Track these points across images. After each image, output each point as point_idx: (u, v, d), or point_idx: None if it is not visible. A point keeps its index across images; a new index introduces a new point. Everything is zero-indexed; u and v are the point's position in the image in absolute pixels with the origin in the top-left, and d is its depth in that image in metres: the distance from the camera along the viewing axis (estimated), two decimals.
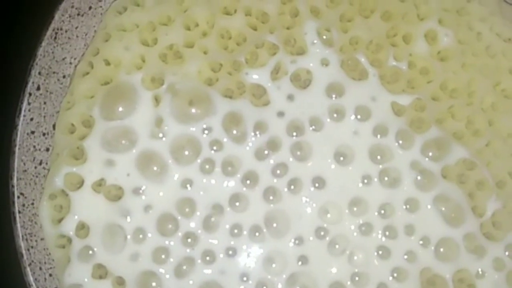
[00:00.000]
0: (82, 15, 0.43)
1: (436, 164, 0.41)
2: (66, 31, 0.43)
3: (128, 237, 0.40)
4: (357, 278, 0.41)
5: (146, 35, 0.43)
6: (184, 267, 0.40)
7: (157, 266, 0.40)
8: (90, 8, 0.43)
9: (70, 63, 0.43)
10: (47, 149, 0.42)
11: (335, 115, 0.42)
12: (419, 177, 0.41)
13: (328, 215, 0.41)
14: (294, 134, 0.42)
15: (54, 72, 0.43)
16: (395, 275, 0.41)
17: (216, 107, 0.42)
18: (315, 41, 0.42)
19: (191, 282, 0.40)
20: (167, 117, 0.41)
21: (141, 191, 0.41)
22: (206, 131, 0.41)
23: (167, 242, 0.41)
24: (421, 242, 0.41)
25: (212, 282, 0.40)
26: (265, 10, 0.43)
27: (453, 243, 0.41)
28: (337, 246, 0.41)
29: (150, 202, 0.41)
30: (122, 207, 0.41)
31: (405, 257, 0.41)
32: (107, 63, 0.43)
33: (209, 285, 0.40)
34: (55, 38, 0.42)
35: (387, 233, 0.41)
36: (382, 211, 0.41)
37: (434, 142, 0.42)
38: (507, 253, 0.41)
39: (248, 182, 0.41)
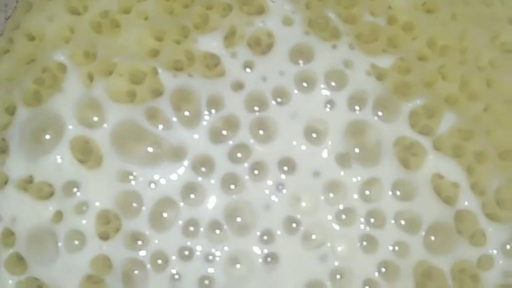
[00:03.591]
0: None
1: (427, 136, 0.36)
2: None
3: (60, 244, 0.35)
4: (338, 276, 0.35)
5: (74, 2, 0.37)
6: (136, 272, 0.35)
7: (100, 275, 0.35)
8: None
9: None
10: None
11: (304, 84, 0.36)
12: (407, 152, 0.36)
13: (301, 204, 0.36)
14: (256, 109, 0.36)
15: None
16: (383, 270, 0.35)
17: (162, 83, 0.36)
18: None
19: None
20: (103, 99, 0.36)
21: (75, 188, 0.35)
22: (151, 113, 0.36)
23: (109, 246, 0.35)
24: (412, 228, 0.36)
25: None
26: None
27: (450, 227, 0.36)
28: (313, 238, 0.35)
29: (86, 200, 0.35)
30: (54, 208, 0.35)
31: (395, 248, 0.35)
32: (30, 38, 0.37)
33: None
34: None
35: (372, 220, 0.36)
36: (366, 192, 0.36)
37: (423, 109, 0.37)
38: None
39: (203, 169, 0.36)
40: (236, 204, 0.35)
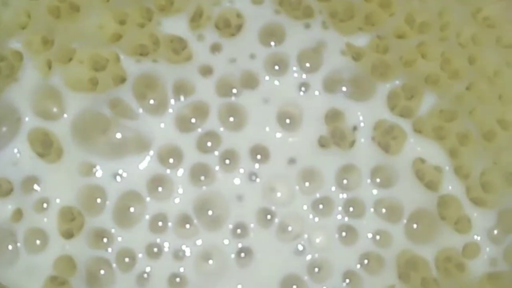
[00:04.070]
0: None
1: (407, 118, 0.35)
2: None
3: (19, 244, 0.33)
4: (316, 269, 0.34)
5: None
6: (102, 272, 0.33)
7: (64, 276, 0.33)
8: None
9: None
10: None
11: (275, 67, 0.34)
12: (387, 135, 0.34)
13: (275, 194, 0.34)
14: (225, 94, 0.34)
15: None
16: (365, 261, 0.34)
17: (124, 69, 0.34)
18: None
19: None
20: (62, 88, 0.34)
21: (35, 183, 0.33)
22: (114, 101, 0.34)
23: (72, 245, 0.33)
24: (393, 216, 0.34)
25: None
26: None
27: (433, 214, 0.34)
28: (289, 230, 0.34)
29: (47, 195, 0.33)
30: (13, 205, 0.34)
31: (376, 237, 0.34)
32: None
33: None
34: None
35: (350, 209, 0.34)
36: (344, 180, 0.34)
37: (403, 90, 0.35)
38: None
39: (170, 160, 0.34)
40: (206, 196, 0.34)
